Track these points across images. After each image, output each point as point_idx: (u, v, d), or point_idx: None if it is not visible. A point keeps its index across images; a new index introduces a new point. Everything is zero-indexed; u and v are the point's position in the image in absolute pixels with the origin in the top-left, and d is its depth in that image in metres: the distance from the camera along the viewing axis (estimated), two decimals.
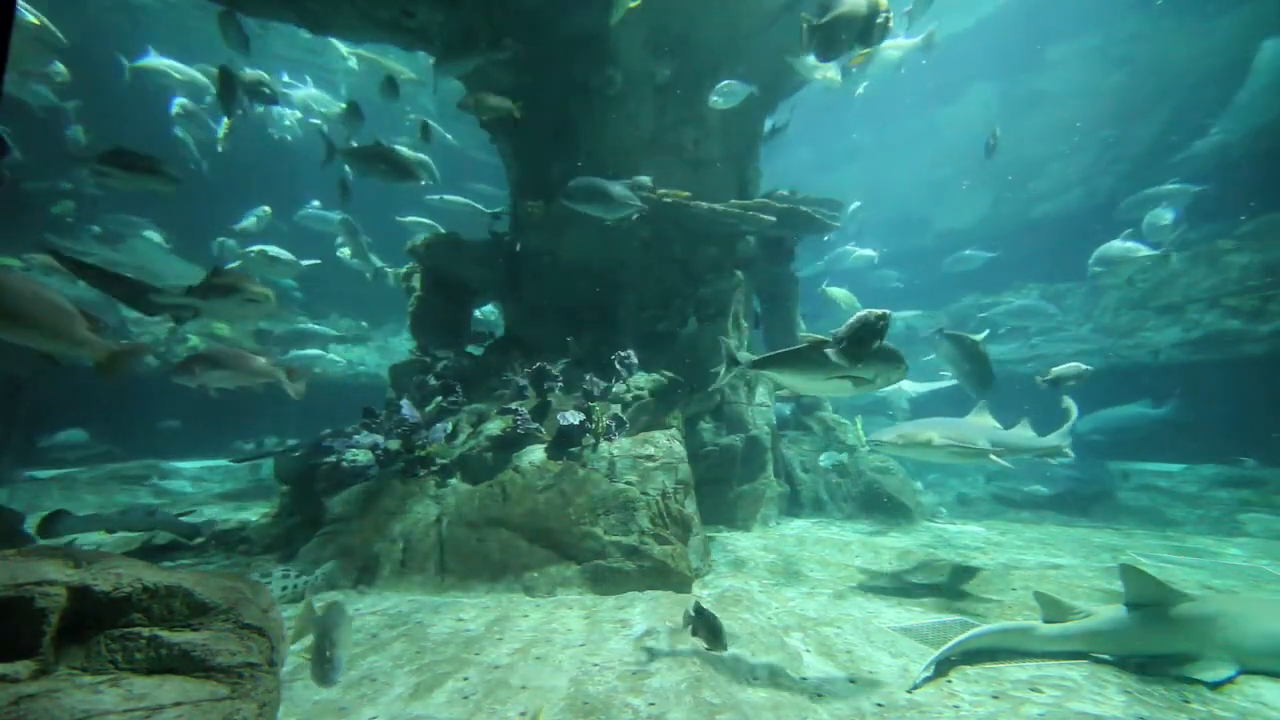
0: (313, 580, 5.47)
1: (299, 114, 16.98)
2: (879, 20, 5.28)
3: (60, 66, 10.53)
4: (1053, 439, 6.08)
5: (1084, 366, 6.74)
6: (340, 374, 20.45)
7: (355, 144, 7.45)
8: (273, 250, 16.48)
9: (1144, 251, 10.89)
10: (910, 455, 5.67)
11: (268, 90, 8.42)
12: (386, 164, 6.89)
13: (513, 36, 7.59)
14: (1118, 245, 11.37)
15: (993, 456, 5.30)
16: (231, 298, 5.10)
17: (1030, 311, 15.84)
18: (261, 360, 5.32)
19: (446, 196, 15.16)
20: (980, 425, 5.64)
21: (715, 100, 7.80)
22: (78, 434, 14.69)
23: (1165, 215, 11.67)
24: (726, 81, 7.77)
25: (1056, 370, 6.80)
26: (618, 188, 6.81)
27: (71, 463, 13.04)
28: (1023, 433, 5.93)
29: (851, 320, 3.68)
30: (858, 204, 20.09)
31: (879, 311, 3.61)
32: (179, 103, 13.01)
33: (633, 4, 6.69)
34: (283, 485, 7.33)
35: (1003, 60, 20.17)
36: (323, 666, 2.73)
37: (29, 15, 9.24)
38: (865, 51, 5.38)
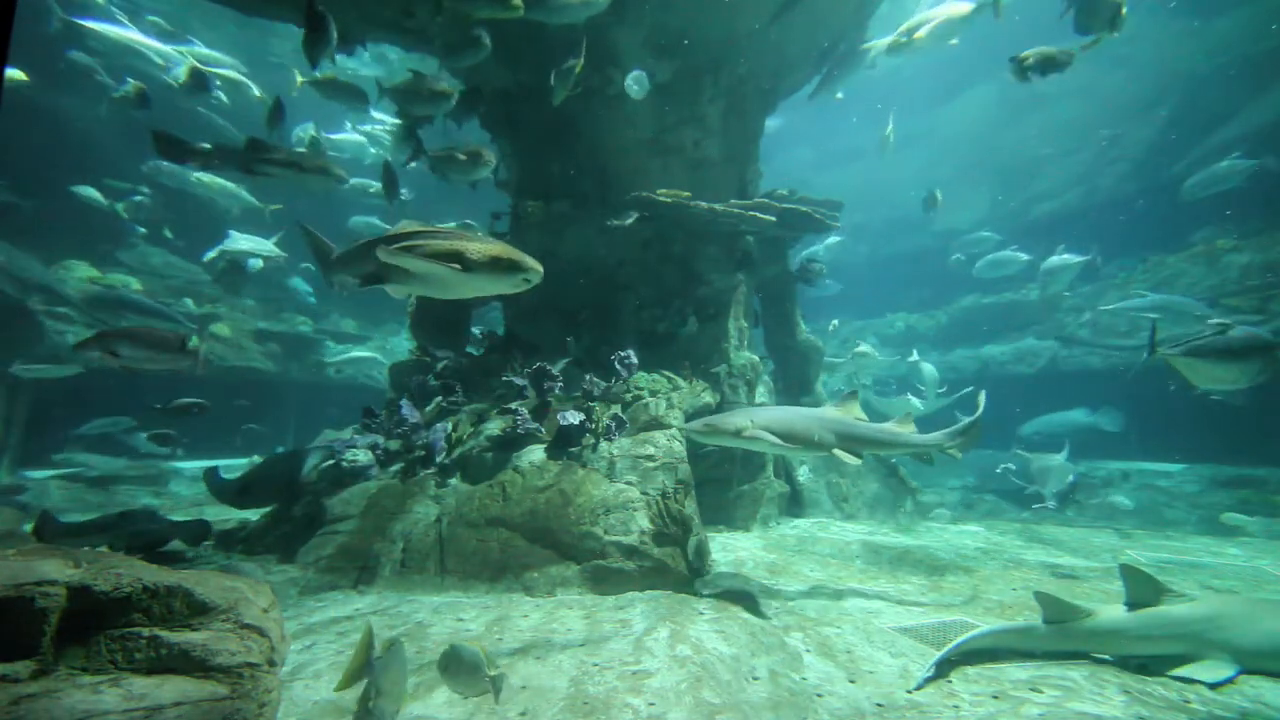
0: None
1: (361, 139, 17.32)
2: (1123, 11, 5.56)
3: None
4: (936, 436, 5.21)
5: None
6: (340, 374, 20.46)
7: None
8: (248, 242, 16.36)
9: (1076, 260, 13.08)
10: (721, 444, 5.28)
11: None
12: (459, 157, 7.21)
13: (512, 36, 7.60)
14: (1056, 259, 13.64)
15: (838, 453, 4.82)
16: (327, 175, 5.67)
17: (1168, 308, 11.93)
18: (173, 338, 4.99)
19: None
20: (828, 417, 5.03)
21: (631, 89, 7.74)
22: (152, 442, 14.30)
23: (1070, 259, 13.90)
24: (636, 71, 7.72)
25: None
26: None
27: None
28: (895, 429, 5.24)
29: None
30: (838, 238, 20.24)
31: None
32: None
33: (573, 90, 7.02)
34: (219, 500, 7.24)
35: (1002, 60, 20.17)
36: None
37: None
38: (1097, 38, 5.59)
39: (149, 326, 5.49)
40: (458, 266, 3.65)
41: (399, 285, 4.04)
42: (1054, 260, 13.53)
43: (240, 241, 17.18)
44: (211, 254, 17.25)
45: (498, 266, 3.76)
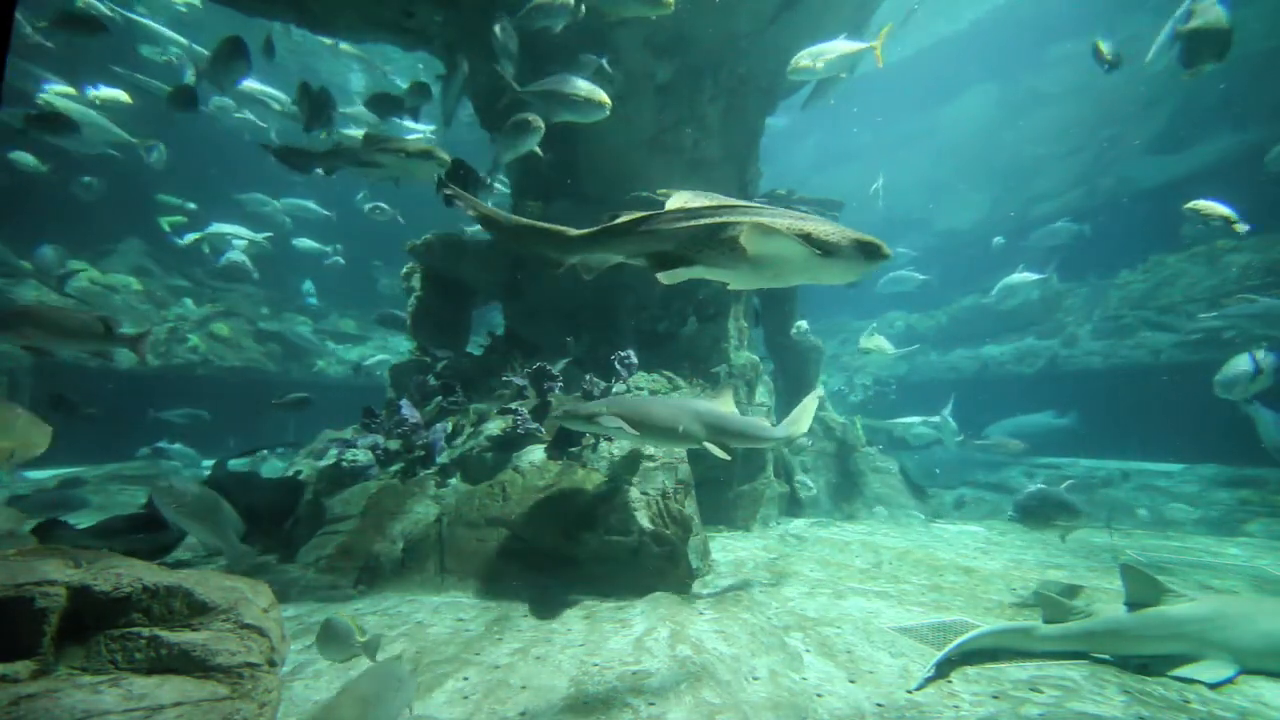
0: None
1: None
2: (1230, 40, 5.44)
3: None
4: (782, 428, 5.34)
5: None
6: (339, 374, 20.48)
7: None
8: (229, 228, 16.29)
9: (1034, 277, 13.95)
10: (578, 429, 5.16)
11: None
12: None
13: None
14: (1016, 277, 14.30)
15: (709, 446, 4.73)
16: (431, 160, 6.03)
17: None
18: (91, 321, 4.64)
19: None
20: (700, 409, 4.95)
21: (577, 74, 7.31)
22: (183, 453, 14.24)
23: (1030, 276, 14.84)
24: (587, 56, 7.34)
25: None
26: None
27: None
28: (760, 423, 5.37)
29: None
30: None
31: None
32: None
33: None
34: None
35: (1002, 60, 20.17)
36: None
37: None
38: (1200, 67, 5.57)
39: (64, 308, 5.18)
40: (819, 251, 3.10)
41: (713, 270, 3.37)
42: (1014, 278, 14.32)
43: (223, 229, 17.28)
44: (194, 236, 17.37)
45: (862, 251, 3.19)
